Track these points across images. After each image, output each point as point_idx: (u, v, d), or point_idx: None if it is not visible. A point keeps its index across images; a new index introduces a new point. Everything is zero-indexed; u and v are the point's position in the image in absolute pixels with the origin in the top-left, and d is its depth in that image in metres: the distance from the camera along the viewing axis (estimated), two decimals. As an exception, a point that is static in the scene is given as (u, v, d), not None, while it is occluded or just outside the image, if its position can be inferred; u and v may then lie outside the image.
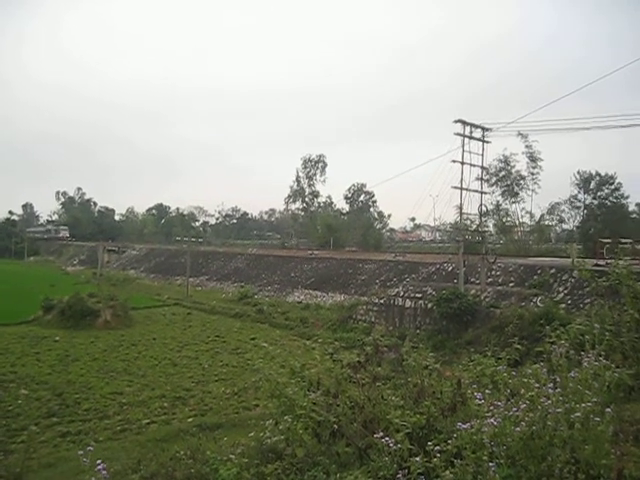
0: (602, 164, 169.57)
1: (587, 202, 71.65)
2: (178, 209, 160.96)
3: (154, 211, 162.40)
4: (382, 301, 41.33)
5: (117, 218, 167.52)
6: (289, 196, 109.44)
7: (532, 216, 77.23)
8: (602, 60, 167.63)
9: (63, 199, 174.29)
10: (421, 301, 38.12)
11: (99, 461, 5.32)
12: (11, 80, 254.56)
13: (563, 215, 79.24)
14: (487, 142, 37.89)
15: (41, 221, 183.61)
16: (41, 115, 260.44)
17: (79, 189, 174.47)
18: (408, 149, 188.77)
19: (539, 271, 38.20)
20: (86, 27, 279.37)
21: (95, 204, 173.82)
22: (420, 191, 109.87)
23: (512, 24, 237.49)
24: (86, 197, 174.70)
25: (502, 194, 74.27)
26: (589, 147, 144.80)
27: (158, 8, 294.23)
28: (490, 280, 39.72)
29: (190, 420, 21.51)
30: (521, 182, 73.22)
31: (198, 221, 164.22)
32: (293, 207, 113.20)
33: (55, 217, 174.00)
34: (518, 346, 8.21)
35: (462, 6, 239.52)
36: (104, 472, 5.24)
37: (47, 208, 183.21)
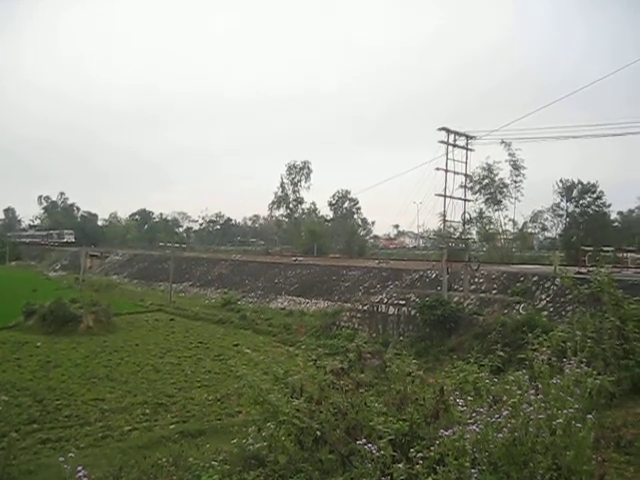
0: (588, 173, 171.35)
1: (569, 210, 72.17)
2: (162, 215, 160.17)
3: (137, 216, 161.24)
4: (365, 308, 41.38)
5: (100, 223, 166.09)
6: (273, 202, 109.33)
7: (515, 224, 77.91)
8: (601, 67, 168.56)
9: (45, 203, 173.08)
10: (404, 308, 38.20)
11: (80, 467, 5.27)
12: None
13: (546, 223, 79.97)
14: (471, 150, 38.14)
15: (23, 225, 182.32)
16: (23, 118, 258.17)
17: (62, 194, 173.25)
18: (393, 156, 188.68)
19: (522, 278, 38.39)
20: (70, 30, 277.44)
21: (78, 209, 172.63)
22: (404, 198, 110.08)
23: (509, 31, 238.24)
24: (69, 202, 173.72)
25: (485, 202, 74.86)
26: (576, 155, 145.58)
27: (143, 15, 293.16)
28: (473, 287, 39.86)
29: (172, 427, 21.36)
30: (504, 190, 73.83)
31: (182, 227, 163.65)
32: (277, 213, 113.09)
33: (37, 222, 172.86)
34: (501, 353, 8.27)
35: (459, 11, 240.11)
36: (85, 479, 5.19)
37: (29, 212, 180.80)
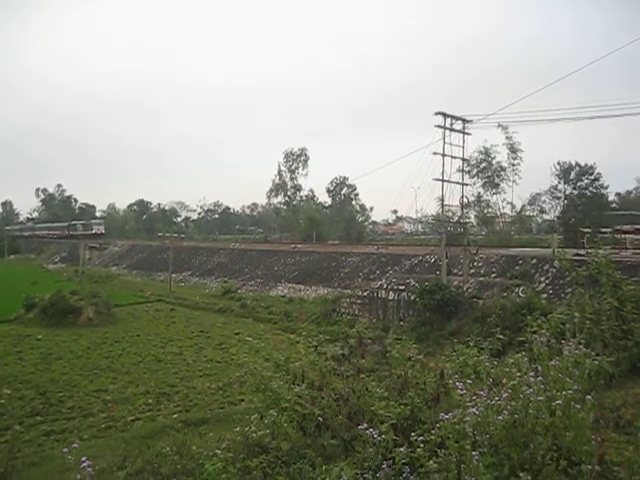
0: (587, 155, 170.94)
1: (567, 192, 72.16)
2: (159, 205, 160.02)
3: (135, 207, 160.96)
4: (365, 294, 41.45)
5: (98, 214, 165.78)
6: (271, 190, 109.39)
7: (513, 207, 77.89)
8: (595, 50, 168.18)
9: (43, 196, 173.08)
10: (404, 293, 38.26)
11: (84, 458, 5.30)
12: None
13: (544, 205, 79.99)
14: (468, 134, 38.14)
15: (21, 219, 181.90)
16: (19, 108, 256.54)
17: (59, 186, 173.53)
18: (390, 142, 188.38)
19: (520, 262, 38.48)
20: (72, 18, 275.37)
21: (76, 201, 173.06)
22: (402, 184, 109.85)
23: (502, 15, 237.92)
24: (66, 194, 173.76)
25: (483, 185, 74.97)
26: (574, 138, 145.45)
27: (139, 4, 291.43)
28: (472, 271, 39.93)
29: (175, 416, 21.48)
30: (502, 173, 73.86)
31: (180, 216, 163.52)
32: (275, 201, 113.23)
33: (35, 214, 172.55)
34: (500, 336, 8.28)
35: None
36: (89, 469, 5.21)
37: (27, 205, 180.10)
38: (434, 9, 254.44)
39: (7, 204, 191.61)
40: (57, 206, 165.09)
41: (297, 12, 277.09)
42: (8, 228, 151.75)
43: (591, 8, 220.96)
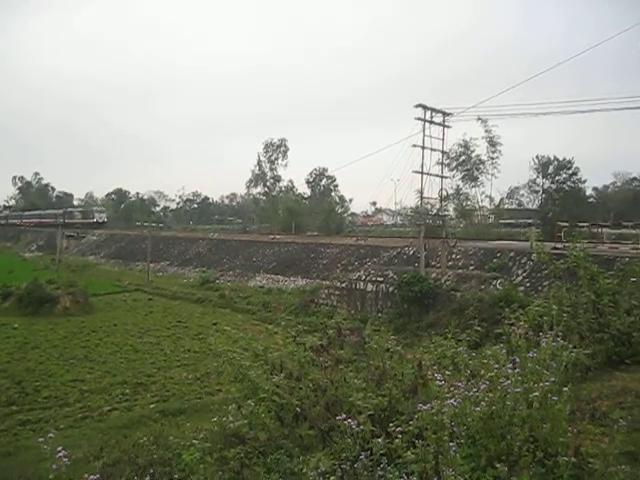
0: (570, 150, 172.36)
1: (545, 186, 72.72)
2: (138, 194, 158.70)
3: (114, 196, 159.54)
4: (344, 285, 41.56)
5: (76, 203, 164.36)
6: (250, 180, 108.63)
7: (492, 200, 78.36)
8: (581, 44, 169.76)
9: (20, 184, 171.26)
10: (382, 285, 38.41)
11: (60, 448, 5.25)
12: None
13: (522, 199, 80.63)
14: (447, 127, 38.32)
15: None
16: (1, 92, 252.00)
17: (36, 174, 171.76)
18: (370, 134, 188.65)
19: (499, 254, 38.69)
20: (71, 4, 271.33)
21: (53, 189, 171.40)
22: (381, 176, 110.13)
23: (487, 9, 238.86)
24: (44, 182, 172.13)
25: (462, 178, 75.31)
26: (558, 132, 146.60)
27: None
28: (451, 264, 40.11)
29: (152, 406, 21.40)
30: (481, 166, 74.25)
31: (158, 206, 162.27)
32: (255, 191, 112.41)
33: (12, 202, 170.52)
34: (478, 328, 8.33)
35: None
36: (65, 460, 5.18)
37: (4, 193, 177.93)
38: (418, 1, 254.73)
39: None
40: (34, 194, 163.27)
41: (277, 3, 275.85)
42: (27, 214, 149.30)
43: (578, 2, 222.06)
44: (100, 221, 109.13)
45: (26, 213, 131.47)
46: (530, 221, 71.83)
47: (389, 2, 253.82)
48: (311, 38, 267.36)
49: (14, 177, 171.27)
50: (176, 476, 6.44)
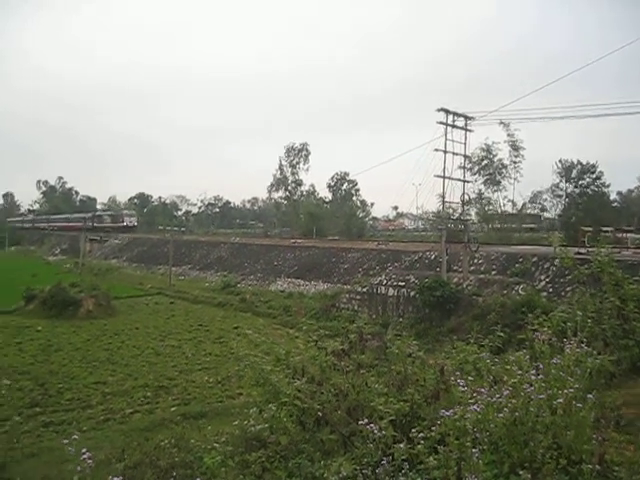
0: (589, 153, 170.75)
1: (569, 191, 72.17)
2: (160, 198, 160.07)
3: (136, 200, 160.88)
4: (365, 290, 41.43)
5: (99, 207, 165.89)
6: (272, 184, 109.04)
7: (514, 204, 77.84)
8: (593, 46, 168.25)
9: (44, 188, 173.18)
10: (404, 289, 38.26)
11: (84, 450, 5.28)
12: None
13: (545, 204, 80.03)
14: (470, 131, 38.10)
15: (22, 210, 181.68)
16: (21, 99, 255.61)
17: (60, 178, 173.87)
18: (391, 138, 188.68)
19: (521, 259, 38.41)
20: (67, 10, 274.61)
21: (77, 193, 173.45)
22: (403, 180, 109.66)
23: (501, 12, 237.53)
24: (67, 186, 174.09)
25: (484, 183, 75.01)
26: (575, 135, 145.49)
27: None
28: (472, 268, 39.88)
29: (174, 409, 21.46)
30: (503, 171, 73.84)
31: (180, 210, 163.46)
32: (276, 196, 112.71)
33: (36, 206, 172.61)
34: (501, 334, 8.28)
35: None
36: (90, 461, 5.20)
37: (28, 197, 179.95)
38: (435, 5, 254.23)
39: (8, 196, 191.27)
40: (58, 198, 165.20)
41: (298, 4, 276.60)
42: (10, 220, 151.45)
43: (588, 5, 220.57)
44: (130, 225, 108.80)
45: (53, 217, 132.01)
46: (533, 226, 71.52)
47: (407, 6, 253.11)
48: (331, 43, 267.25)
49: (38, 181, 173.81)
50: (198, 479, 6.45)
